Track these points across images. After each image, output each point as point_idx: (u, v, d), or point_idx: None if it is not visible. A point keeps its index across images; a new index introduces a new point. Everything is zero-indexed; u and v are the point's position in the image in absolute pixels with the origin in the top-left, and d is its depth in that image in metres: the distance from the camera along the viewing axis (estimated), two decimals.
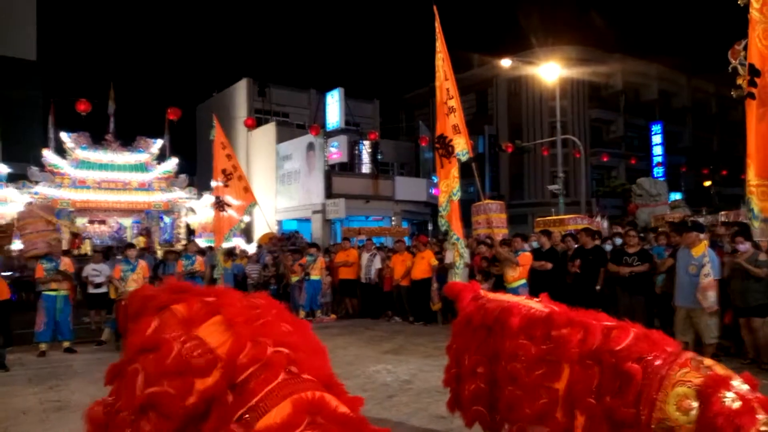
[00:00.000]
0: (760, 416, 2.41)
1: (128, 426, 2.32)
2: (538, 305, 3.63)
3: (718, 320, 6.95)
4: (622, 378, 2.75)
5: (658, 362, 2.67)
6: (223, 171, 11.21)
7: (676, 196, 27.97)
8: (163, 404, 2.20)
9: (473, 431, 3.95)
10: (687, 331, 6.96)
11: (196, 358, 2.23)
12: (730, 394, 2.43)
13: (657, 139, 37.43)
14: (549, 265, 9.26)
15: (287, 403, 1.99)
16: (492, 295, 4.16)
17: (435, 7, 8.15)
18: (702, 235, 6.97)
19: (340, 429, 1.90)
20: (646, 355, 2.73)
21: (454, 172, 6.58)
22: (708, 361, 2.68)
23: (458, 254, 6.91)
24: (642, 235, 9.98)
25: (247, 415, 2.03)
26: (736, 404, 2.40)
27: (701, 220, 12.46)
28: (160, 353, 2.30)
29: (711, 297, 6.59)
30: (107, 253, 12.49)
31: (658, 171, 36.31)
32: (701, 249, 6.77)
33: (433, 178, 24.71)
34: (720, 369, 2.59)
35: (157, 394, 2.22)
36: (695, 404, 2.48)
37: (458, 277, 6.80)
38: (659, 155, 37.12)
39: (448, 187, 6.62)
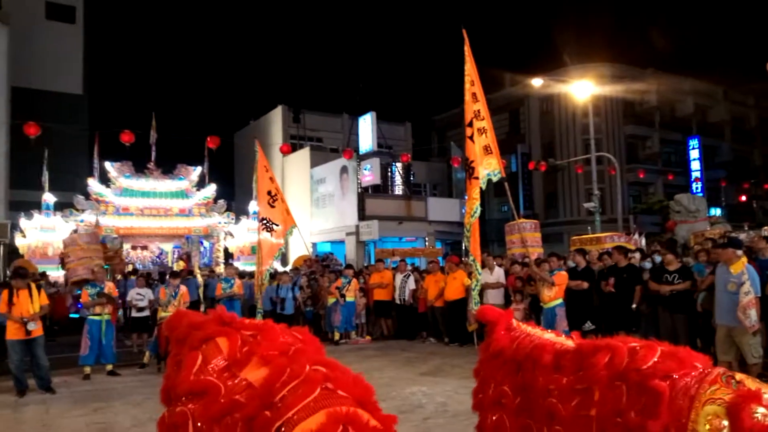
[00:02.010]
0: None
1: None
2: (569, 342, 3.64)
3: (762, 339, 6.77)
4: (648, 396, 2.72)
5: (686, 380, 2.63)
6: (269, 192, 11.39)
7: (716, 211, 27.25)
8: None
9: None
10: (729, 351, 6.79)
11: (241, 398, 2.31)
12: (761, 410, 2.33)
13: (694, 153, 36.61)
14: (585, 285, 9.16)
15: (321, 414, 2.05)
16: (525, 328, 4.19)
17: (464, 31, 8.26)
18: (739, 252, 6.81)
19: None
20: (674, 373, 2.69)
21: (475, 193, 6.62)
22: (740, 376, 2.60)
23: (475, 276, 6.91)
24: (680, 251, 9.81)
25: (283, 428, 2.09)
26: None
27: (743, 235, 12.14)
28: (209, 398, 2.39)
29: (752, 315, 6.42)
30: (148, 279, 12.85)
31: (696, 186, 35.45)
32: (740, 266, 6.62)
33: (465, 198, 24.66)
34: (751, 383, 2.51)
35: None
36: (726, 423, 2.38)
37: (476, 297, 6.78)
38: (697, 170, 36.27)
39: (470, 207, 6.66)
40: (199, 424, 2.39)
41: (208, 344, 2.61)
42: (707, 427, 2.43)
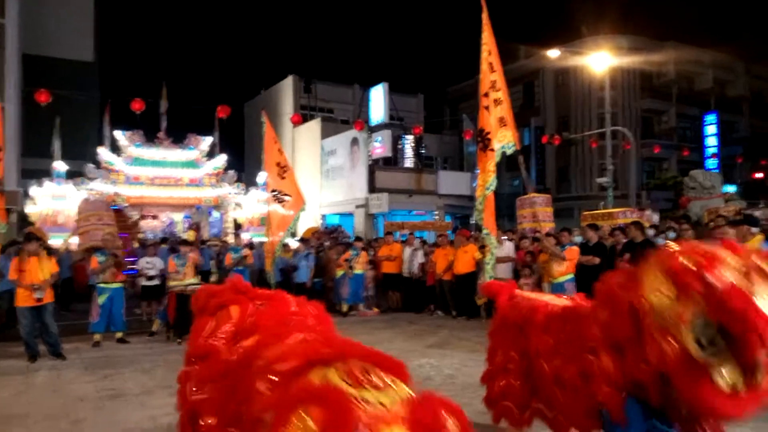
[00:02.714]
0: (725, 255, 2.33)
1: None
2: (565, 302, 3.75)
3: None
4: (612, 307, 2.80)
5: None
6: (278, 164, 11.31)
7: (731, 188, 26.86)
8: (203, 410, 2.47)
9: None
10: None
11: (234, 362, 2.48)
12: (685, 255, 2.40)
13: (711, 129, 35.98)
14: (596, 260, 9.05)
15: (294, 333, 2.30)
16: (526, 294, 4.27)
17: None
18: (754, 229, 6.68)
19: (326, 346, 2.02)
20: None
21: (490, 165, 6.48)
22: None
23: (488, 249, 6.82)
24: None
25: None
26: (695, 258, 2.37)
27: (758, 213, 11.96)
28: (210, 361, 2.60)
29: None
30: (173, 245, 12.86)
31: (711, 163, 34.92)
32: (755, 243, 6.50)
33: (477, 171, 24.52)
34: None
35: (200, 401, 2.53)
36: (665, 282, 2.44)
37: (489, 271, 6.71)
38: (713, 146, 35.68)
39: (483, 180, 6.53)
40: (195, 385, 2.62)
41: (222, 311, 2.82)
42: (653, 296, 2.48)
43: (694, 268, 2.33)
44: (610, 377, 2.79)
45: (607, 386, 2.79)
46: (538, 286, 10.20)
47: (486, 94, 6.95)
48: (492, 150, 6.46)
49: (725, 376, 2.28)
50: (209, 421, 2.44)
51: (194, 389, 2.62)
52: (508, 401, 3.79)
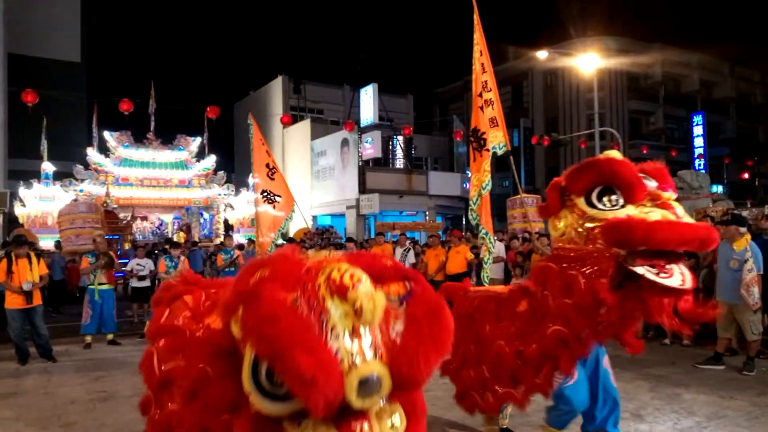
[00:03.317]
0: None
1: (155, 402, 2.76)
2: (508, 287, 4.14)
3: (762, 316, 6.77)
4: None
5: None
6: (267, 165, 11.30)
7: (719, 188, 27.13)
8: (175, 377, 2.58)
9: None
10: (729, 327, 6.80)
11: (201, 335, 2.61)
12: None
13: (698, 130, 36.34)
14: None
15: None
16: (478, 289, 4.54)
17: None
18: (742, 229, 6.75)
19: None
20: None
21: (486, 165, 6.50)
22: None
23: (487, 249, 6.84)
24: None
25: None
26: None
27: (745, 213, 12.09)
28: (172, 336, 2.77)
29: (755, 293, 6.41)
30: (151, 250, 12.85)
31: (699, 163, 35.28)
32: (743, 243, 6.58)
33: (467, 172, 24.59)
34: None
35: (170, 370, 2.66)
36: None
37: (487, 272, 6.73)
38: (700, 147, 36.05)
39: (479, 180, 6.53)
40: (162, 358, 2.77)
41: (176, 301, 2.98)
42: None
43: None
44: (561, 339, 3.14)
45: (562, 349, 3.16)
46: None
47: (480, 95, 6.98)
48: (487, 150, 6.48)
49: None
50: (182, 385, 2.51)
51: (162, 361, 2.75)
52: (473, 391, 3.93)
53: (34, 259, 7.94)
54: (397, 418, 1.71)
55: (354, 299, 1.57)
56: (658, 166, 3.21)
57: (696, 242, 2.82)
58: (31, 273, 7.78)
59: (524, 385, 3.44)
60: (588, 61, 23.84)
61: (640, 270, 2.84)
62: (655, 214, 2.88)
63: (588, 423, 3.73)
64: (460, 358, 4.12)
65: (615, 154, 3.27)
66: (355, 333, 1.58)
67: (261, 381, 1.63)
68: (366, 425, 1.60)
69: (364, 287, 1.59)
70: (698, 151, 36.04)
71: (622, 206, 3.02)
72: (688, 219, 2.98)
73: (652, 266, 2.84)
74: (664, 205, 2.99)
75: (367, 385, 1.54)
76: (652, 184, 3.06)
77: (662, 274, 2.82)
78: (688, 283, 2.83)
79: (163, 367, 2.72)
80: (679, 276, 2.83)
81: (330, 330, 1.57)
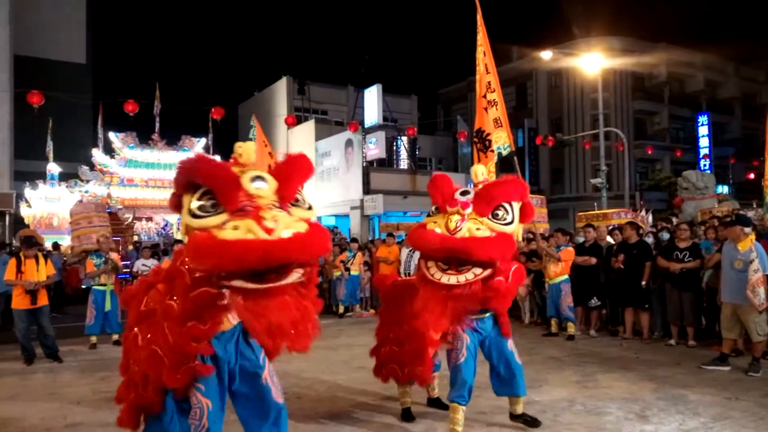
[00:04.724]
0: None
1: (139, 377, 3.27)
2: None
3: (767, 316, 6.73)
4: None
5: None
6: (269, 166, 11.34)
7: (724, 189, 27.02)
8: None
9: None
10: (734, 328, 6.76)
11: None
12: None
13: (703, 130, 36.20)
14: (593, 260, 9.10)
15: None
16: (403, 278, 5.30)
17: (477, 0, 8.04)
18: (747, 229, 6.72)
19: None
20: None
21: (491, 166, 6.53)
22: None
23: None
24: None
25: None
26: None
27: (751, 213, 12.03)
28: (154, 318, 3.26)
29: (761, 293, 6.37)
30: (155, 250, 12.87)
31: (704, 163, 35.14)
32: (747, 243, 6.54)
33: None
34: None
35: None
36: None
37: None
38: (706, 147, 35.90)
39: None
40: (145, 335, 3.26)
41: (151, 290, 3.44)
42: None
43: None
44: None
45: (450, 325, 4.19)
46: (531, 287, 10.26)
47: (484, 95, 7.00)
48: (492, 151, 6.50)
49: None
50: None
51: (147, 338, 3.23)
52: (394, 364, 4.72)
53: (41, 260, 7.97)
54: (280, 212, 2.73)
55: (236, 150, 3.12)
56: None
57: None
58: (38, 274, 7.82)
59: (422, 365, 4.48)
60: (592, 62, 23.80)
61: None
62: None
63: (501, 390, 4.62)
64: (383, 337, 4.93)
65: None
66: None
67: (195, 212, 2.76)
68: (261, 211, 2.66)
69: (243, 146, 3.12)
70: (703, 151, 35.90)
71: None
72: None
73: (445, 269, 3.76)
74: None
75: (256, 180, 2.82)
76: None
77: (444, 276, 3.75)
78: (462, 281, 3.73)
79: (152, 346, 3.19)
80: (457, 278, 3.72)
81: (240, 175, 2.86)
